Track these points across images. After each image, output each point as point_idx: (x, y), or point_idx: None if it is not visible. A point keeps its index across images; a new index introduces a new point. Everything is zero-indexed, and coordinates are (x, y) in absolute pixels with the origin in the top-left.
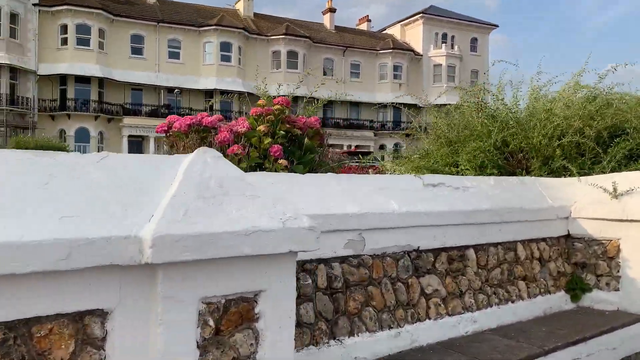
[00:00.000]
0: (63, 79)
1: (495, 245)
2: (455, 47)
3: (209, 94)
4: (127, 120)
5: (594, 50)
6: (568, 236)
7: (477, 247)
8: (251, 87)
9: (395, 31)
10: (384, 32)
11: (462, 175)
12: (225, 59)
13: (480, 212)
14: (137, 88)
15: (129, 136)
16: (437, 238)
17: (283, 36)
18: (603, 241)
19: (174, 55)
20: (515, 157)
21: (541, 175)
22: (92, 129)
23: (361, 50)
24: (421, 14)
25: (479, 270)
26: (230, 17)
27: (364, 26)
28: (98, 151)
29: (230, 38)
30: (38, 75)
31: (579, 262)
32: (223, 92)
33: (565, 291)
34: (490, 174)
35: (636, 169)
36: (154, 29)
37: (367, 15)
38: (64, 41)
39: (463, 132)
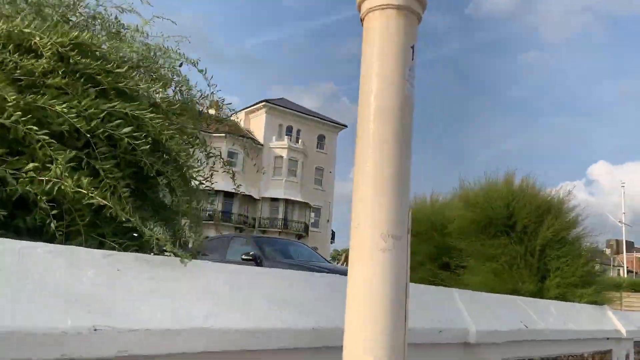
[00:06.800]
0: None
1: None
2: (300, 142)
3: None
4: None
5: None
6: None
7: None
8: None
9: (240, 118)
10: (231, 117)
11: None
12: None
13: None
14: None
15: None
16: None
17: None
18: None
19: None
20: None
21: None
22: None
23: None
24: (264, 102)
25: None
26: None
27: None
28: None
29: None
30: None
31: None
32: None
33: None
34: None
35: None
36: None
37: (217, 101)
38: None
39: None
